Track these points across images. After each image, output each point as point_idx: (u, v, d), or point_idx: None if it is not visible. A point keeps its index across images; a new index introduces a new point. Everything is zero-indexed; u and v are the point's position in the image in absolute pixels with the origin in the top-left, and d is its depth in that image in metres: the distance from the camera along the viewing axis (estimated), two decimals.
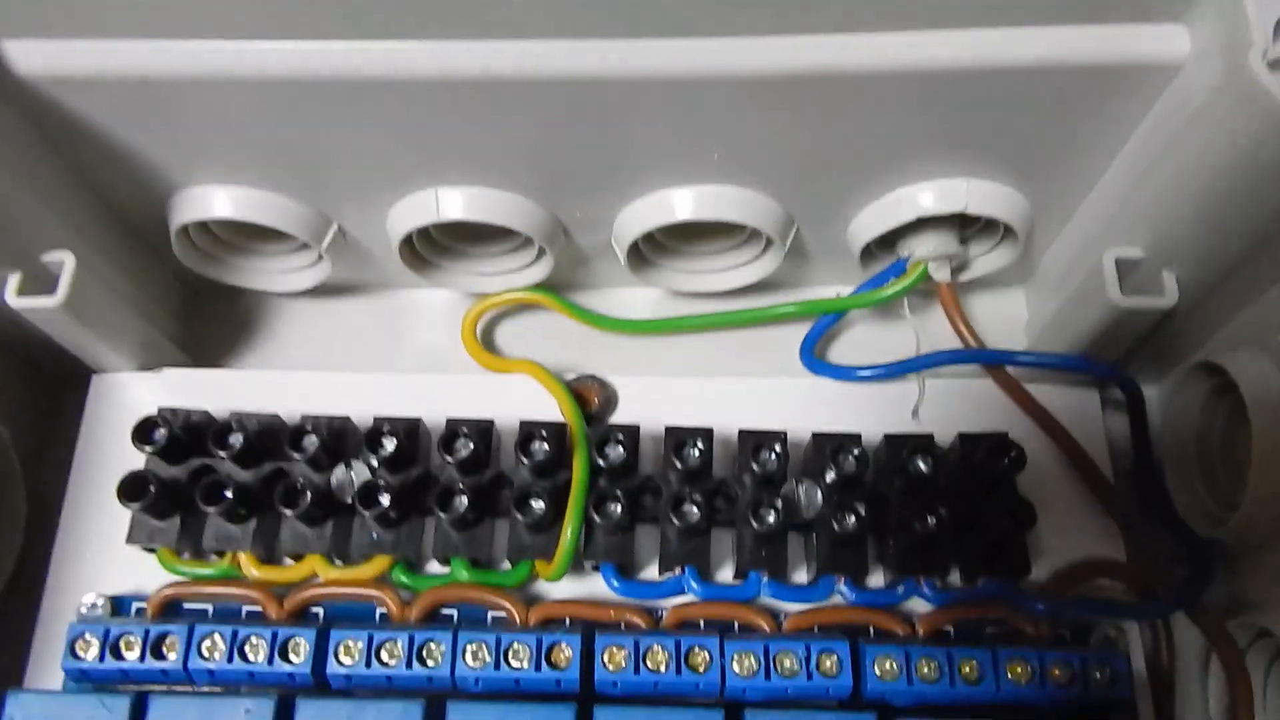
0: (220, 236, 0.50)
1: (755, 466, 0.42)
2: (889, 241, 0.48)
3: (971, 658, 0.40)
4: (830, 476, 0.42)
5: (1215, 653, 0.42)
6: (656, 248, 0.50)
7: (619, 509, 0.42)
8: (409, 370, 0.51)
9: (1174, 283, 0.41)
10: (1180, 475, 0.46)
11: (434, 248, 0.50)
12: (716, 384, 0.48)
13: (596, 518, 0.42)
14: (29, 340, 0.47)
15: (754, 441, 0.43)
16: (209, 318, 0.55)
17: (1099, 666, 0.40)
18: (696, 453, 0.43)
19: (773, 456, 0.43)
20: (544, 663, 0.40)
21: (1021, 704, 0.40)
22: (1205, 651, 0.44)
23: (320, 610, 0.44)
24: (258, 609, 0.43)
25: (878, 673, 0.40)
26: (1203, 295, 0.42)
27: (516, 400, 0.47)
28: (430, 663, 0.40)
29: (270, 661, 0.40)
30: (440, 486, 0.42)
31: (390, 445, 0.43)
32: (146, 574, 0.44)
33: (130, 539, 0.44)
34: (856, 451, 0.42)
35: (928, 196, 0.44)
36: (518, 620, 0.42)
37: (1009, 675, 0.39)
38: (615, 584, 0.44)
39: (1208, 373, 0.45)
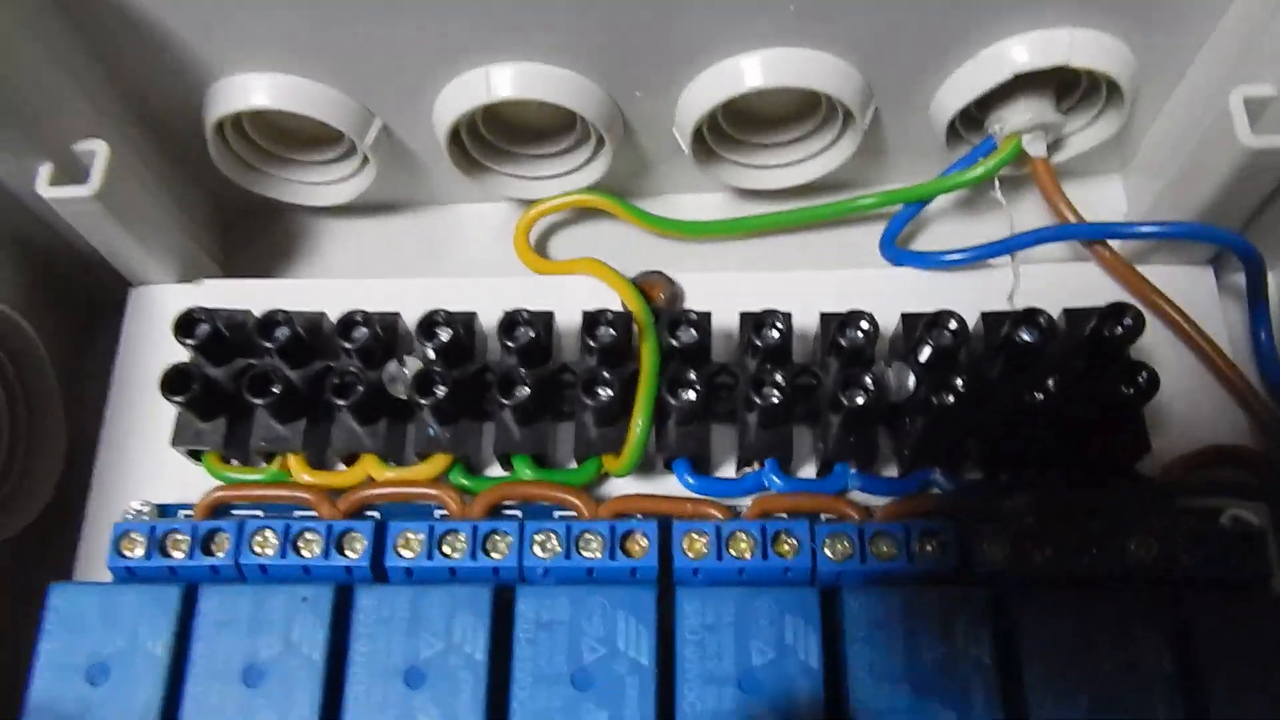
0: (258, 143, 0.48)
1: (842, 341, 0.39)
2: (975, 122, 0.46)
3: (1085, 533, 0.36)
4: (925, 355, 0.39)
5: None
6: (722, 139, 0.47)
7: (693, 393, 0.39)
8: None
9: None
10: None
11: (484, 148, 0.48)
12: (791, 277, 0.45)
13: (670, 400, 0.39)
14: (65, 257, 0.45)
15: (840, 320, 0.40)
16: (249, 241, 0.52)
17: (1233, 541, 0.37)
18: (776, 333, 0.40)
19: (859, 334, 0.40)
20: (618, 551, 0.37)
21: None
22: None
23: (376, 515, 0.41)
24: (312, 512, 0.41)
25: (986, 550, 0.36)
26: None
27: (579, 300, 0.43)
28: (495, 555, 0.37)
29: (327, 555, 0.37)
30: (501, 373, 0.39)
31: (445, 334, 0.40)
32: (194, 483, 0.42)
33: (175, 441, 0.41)
34: (954, 325, 0.39)
35: (1023, 50, 0.41)
36: (587, 518, 0.39)
37: (1132, 550, 0.36)
38: (690, 481, 0.41)
39: None
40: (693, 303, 0.45)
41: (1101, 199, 0.49)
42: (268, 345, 0.40)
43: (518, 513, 0.41)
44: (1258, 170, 0.39)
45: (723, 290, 0.45)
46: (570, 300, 0.43)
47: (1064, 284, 0.44)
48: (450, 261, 0.51)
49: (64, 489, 0.44)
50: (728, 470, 0.42)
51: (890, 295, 0.44)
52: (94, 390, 0.46)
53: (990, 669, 0.34)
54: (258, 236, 0.52)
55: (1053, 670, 0.34)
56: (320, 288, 0.47)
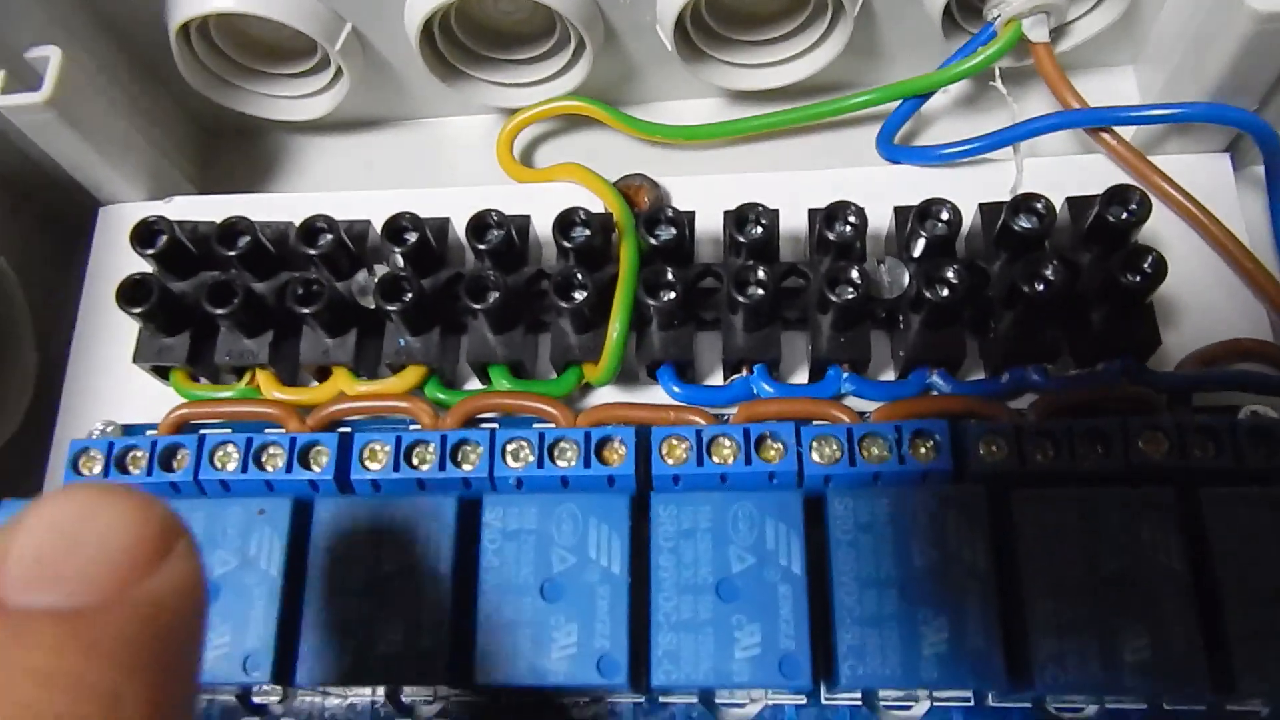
0: (228, 55, 0.46)
1: (830, 235, 0.37)
2: (974, 10, 0.43)
3: (1095, 430, 0.34)
4: (918, 248, 0.37)
5: None
6: (709, 37, 0.44)
7: (673, 294, 0.37)
8: None
9: None
10: None
11: (460, 52, 0.45)
12: (781, 178, 0.42)
13: (649, 300, 0.36)
14: (33, 177, 0.43)
15: (826, 213, 0.37)
16: (226, 159, 0.50)
17: (1250, 436, 0.33)
18: (760, 228, 0.37)
19: (848, 228, 0.37)
20: (594, 459, 0.35)
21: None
22: None
23: (348, 430, 0.39)
24: (279, 428, 0.39)
25: (983, 453, 0.34)
26: None
27: (560, 206, 0.41)
28: (466, 466, 0.35)
29: (289, 469, 0.35)
30: (471, 275, 0.37)
31: (413, 238, 0.38)
32: (161, 403, 0.40)
33: (137, 357, 0.39)
34: (946, 214, 0.37)
35: None
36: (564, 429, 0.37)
37: (1141, 447, 0.33)
38: (676, 389, 0.38)
39: None
40: (680, 206, 0.43)
41: (1113, 91, 0.46)
42: (229, 254, 0.38)
43: (495, 425, 0.38)
44: (1269, 38, 0.36)
45: (711, 193, 0.42)
46: (553, 208, 0.41)
47: (1071, 176, 0.41)
48: (434, 177, 0.49)
49: (36, 412, 0.43)
50: (717, 377, 0.40)
51: (888, 193, 0.41)
52: (67, 313, 0.44)
53: (986, 572, 0.32)
54: (235, 155, 0.50)
55: (1053, 572, 0.31)
56: (294, 201, 0.44)
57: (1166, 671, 0.30)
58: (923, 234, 0.36)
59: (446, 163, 0.49)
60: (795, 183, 0.42)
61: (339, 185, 0.49)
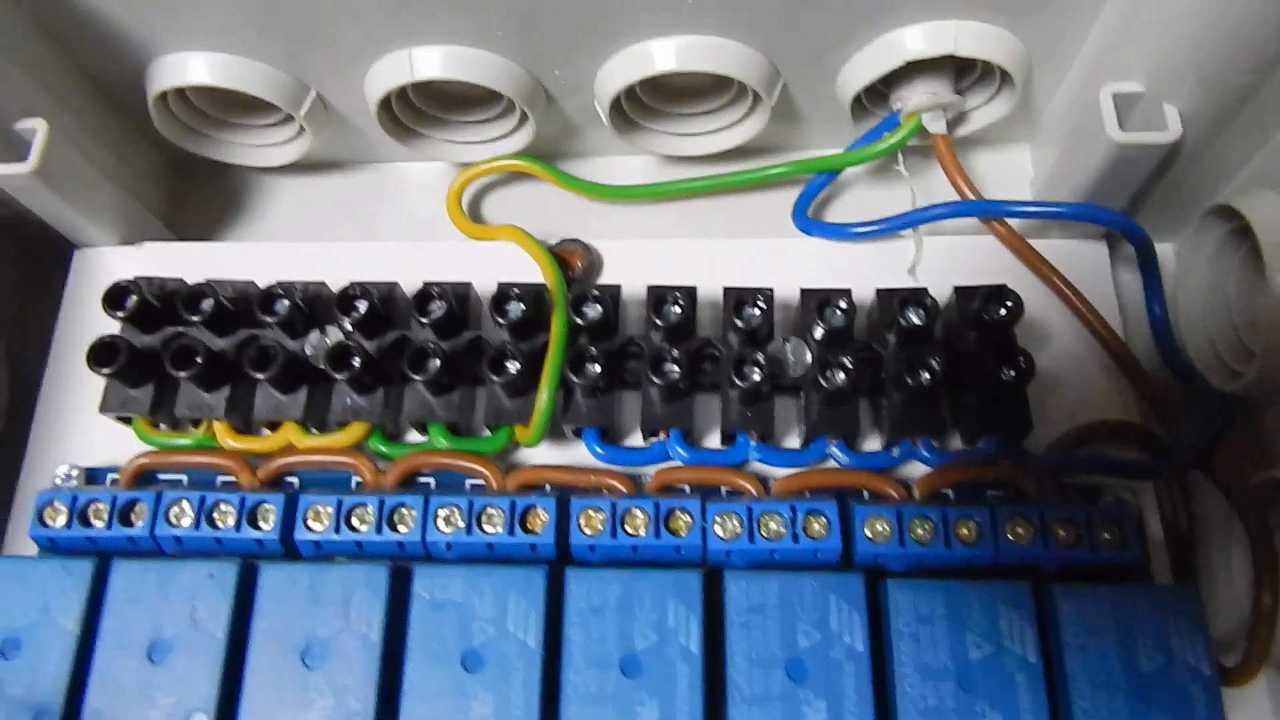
0: (200, 109, 0.46)
1: (739, 322, 0.37)
2: (881, 96, 0.43)
3: (969, 518, 0.35)
4: (819, 332, 0.37)
5: (1235, 511, 0.37)
6: (642, 109, 0.45)
7: (597, 368, 0.37)
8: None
9: (1176, 117, 0.36)
10: (1194, 328, 0.41)
11: (415, 115, 0.45)
12: (704, 245, 0.43)
13: (574, 377, 0.37)
14: (12, 216, 0.43)
15: (737, 297, 0.38)
16: (196, 195, 0.50)
17: (1107, 526, 0.35)
18: (677, 310, 0.38)
19: (757, 311, 0.38)
20: (518, 527, 0.35)
21: (1023, 565, 0.35)
22: (1226, 513, 0.39)
23: (295, 480, 0.39)
24: (231, 479, 0.39)
25: (869, 535, 0.35)
26: (1210, 136, 0.37)
27: (500, 267, 0.42)
28: (402, 528, 0.36)
29: (239, 528, 0.36)
30: (413, 347, 0.37)
31: (363, 307, 0.38)
32: (124, 447, 0.40)
33: (103, 407, 0.40)
34: (844, 304, 0.37)
35: (916, 39, 0.39)
36: (495, 487, 0.38)
37: (1010, 536, 0.34)
38: (598, 450, 0.39)
39: (1222, 217, 0.39)
40: (610, 269, 0.43)
41: (1011, 166, 0.47)
42: (193, 319, 0.38)
43: (432, 480, 0.39)
44: (1128, 161, 0.37)
45: (639, 257, 0.43)
46: (495, 266, 0.42)
47: (964, 257, 0.42)
48: (389, 218, 0.49)
49: (4, 453, 0.43)
50: (638, 438, 0.40)
51: (800, 264, 0.42)
52: (36, 349, 0.44)
53: (862, 655, 0.32)
54: (204, 192, 0.50)
55: (920, 658, 0.32)
56: (256, 251, 0.44)
57: None
58: (821, 324, 0.37)
59: (403, 204, 0.50)
60: (715, 250, 0.43)
61: (302, 221, 0.50)
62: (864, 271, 0.41)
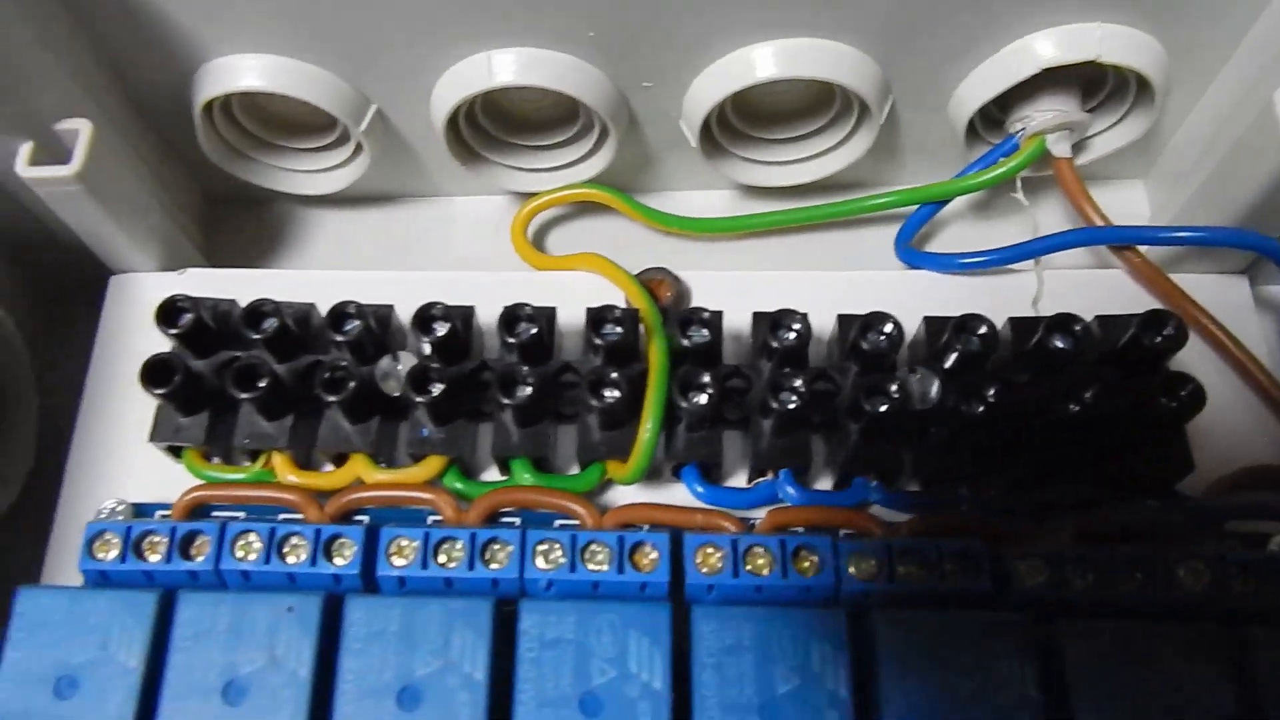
0: (248, 129, 0.44)
1: (864, 345, 0.35)
2: (994, 122, 0.42)
3: (1127, 558, 0.32)
4: (950, 361, 0.35)
5: None
6: (731, 134, 0.43)
7: (706, 396, 0.35)
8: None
9: None
10: None
11: (482, 138, 0.43)
12: (802, 277, 0.41)
13: (682, 403, 0.35)
14: (43, 244, 0.41)
15: (857, 323, 0.36)
16: (235, 230, 0.48)
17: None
18: (793, 334, 0.36)
19: (882, 338, 0.36)
20: (627, 564, 0.33)
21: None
22: None
23: (365, 519, 0.37)
24: (298, 515, 0.36)
25: (1023, 573, 0.32)
26: None
27: (579, 298, 0.39)
28: (494, 565, 0.33)
29: (314, 562, 0.33)
30: (501, 371, 0.35)
31: (443, 329, 0.36)
32: (172, 482, 0.37)
33: (154, 436, 0.37)
34: (983, 330, 0.35)
35: (1049, 45, 0.37)
36: (590, 527, 0.35)
37: (1181, 576, 0.32)
38: (699, 489, 0.36)
39: None
40: (699, 302, 0.41)
41: (1124, 205, 0.45)
42: (255, 336, 0.36)
43: (516, 520, 0.36)
44: None
45: (731, 289, 0.41)
46: (571, 297, 0.39)
47: (1091, 291, 0.40)
48: (443, 256, 0.47)
49: (34, 486, 0.40)
50: (738, 479, 0.38)
51: (905, 298, 0.40)
52: (69, 382, 0.41)
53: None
54: (244, 225, 0.48)
55: (1103, 704, 0.30)
56: (309, 279, 0.42)
57: None
58: (958, 348, 0.35)
59: (458, 242, 0.47)
60: (814, 282, 0.41)
61: (348, 259, 0.47)
62: (977, 307, 0.38)
